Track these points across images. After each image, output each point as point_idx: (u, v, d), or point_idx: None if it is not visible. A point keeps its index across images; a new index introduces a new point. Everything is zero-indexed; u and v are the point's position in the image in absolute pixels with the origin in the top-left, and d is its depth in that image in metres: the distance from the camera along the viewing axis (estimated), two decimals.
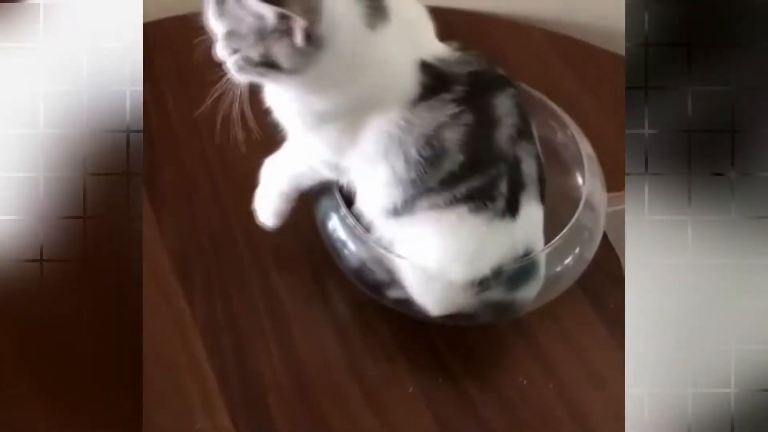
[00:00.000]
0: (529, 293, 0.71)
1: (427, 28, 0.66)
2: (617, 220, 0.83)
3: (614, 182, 0.78)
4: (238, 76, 0.62)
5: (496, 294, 0.69)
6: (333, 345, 0.77)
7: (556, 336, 0.79)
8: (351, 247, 0.73)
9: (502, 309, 0.73)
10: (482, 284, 0.68)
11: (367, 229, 0.70)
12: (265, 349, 0.76)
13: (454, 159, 0.64)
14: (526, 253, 0.69)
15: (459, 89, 0.64)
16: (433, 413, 0.73)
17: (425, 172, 0.64)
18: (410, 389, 0.75)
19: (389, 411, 0.73)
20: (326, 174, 0.71)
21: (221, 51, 0.61)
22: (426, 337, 0.78)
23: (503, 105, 0.66)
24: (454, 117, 0.63)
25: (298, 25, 0.57)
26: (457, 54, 0.66)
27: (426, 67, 0.64)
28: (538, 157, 0.69)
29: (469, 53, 0.67)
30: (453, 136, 0.64)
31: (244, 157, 0.74)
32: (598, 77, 1.00)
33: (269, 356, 0.75)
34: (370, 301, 0.77)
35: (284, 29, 0.58)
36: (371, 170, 0.66)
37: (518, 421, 0.73)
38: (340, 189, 0.72)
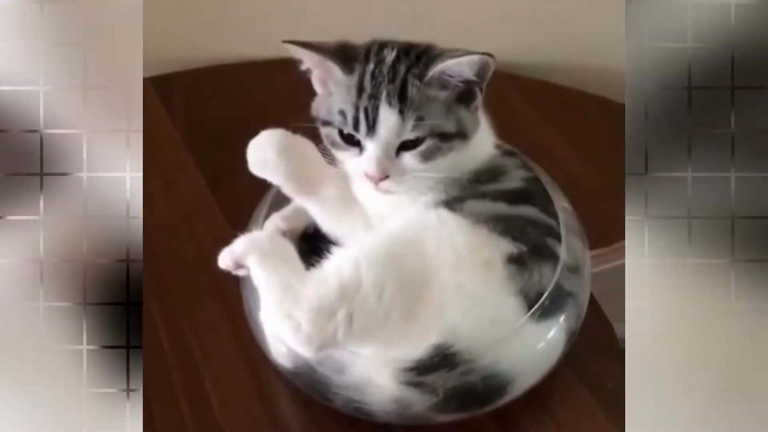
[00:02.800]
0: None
1: None
2: (607, 279, 0.72)
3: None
4: (418, 169, 0.60)
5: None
6: None
7: (547, 424, 0.66)
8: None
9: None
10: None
11: None
12: None
13: None
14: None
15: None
16: None
17: None
18: None
19: None
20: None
21: (381, 162, 0.59)
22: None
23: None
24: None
25: (477, 85, 0.59)
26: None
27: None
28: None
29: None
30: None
31: None
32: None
33: None
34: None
35: (463, 95, 0.60)
36: None
37: None
38: None
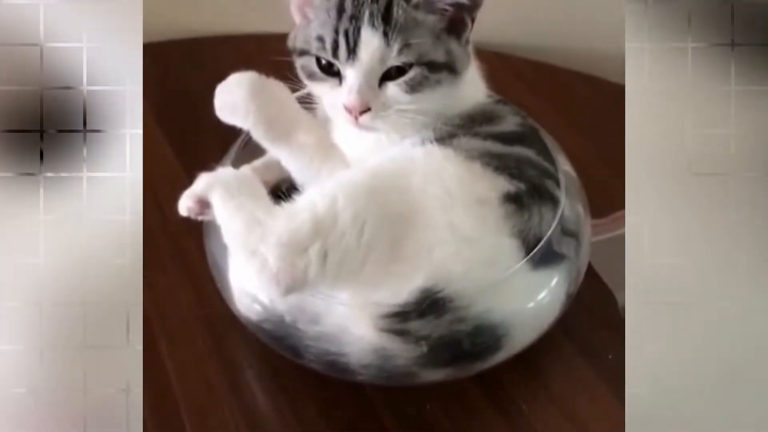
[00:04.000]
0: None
1: None
2: (610, 249, 0.67)
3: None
4: (403, 101, 0.54)
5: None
6: (238, 428, 0.57)
7: (541, 399, 0.59)
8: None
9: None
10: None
11: None
12: None
13: None
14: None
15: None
16: None
17: None
18: None
19: None
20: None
21: (363, 92, 0.53)
22: (364, 405, 0.58)
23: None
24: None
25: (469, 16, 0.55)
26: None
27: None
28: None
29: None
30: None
31: None
32: None
33: None
34: (286, 362, 0.57)
35: (453, 25, 0.55)
36: None
37: None
38: None
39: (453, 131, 0.56)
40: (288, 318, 0.53)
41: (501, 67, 0.92)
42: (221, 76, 0.58)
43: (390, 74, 0.53)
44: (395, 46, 0.52)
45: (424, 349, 0.51)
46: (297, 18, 0.58)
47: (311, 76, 0.56)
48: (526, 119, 0.61)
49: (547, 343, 0.60)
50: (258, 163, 0.63)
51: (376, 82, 0.53)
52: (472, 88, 0.59)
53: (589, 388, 0.60)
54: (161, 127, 0.83)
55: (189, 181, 0.56)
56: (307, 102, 0.59)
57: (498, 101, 0.61)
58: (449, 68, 0.55)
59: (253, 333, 0.58)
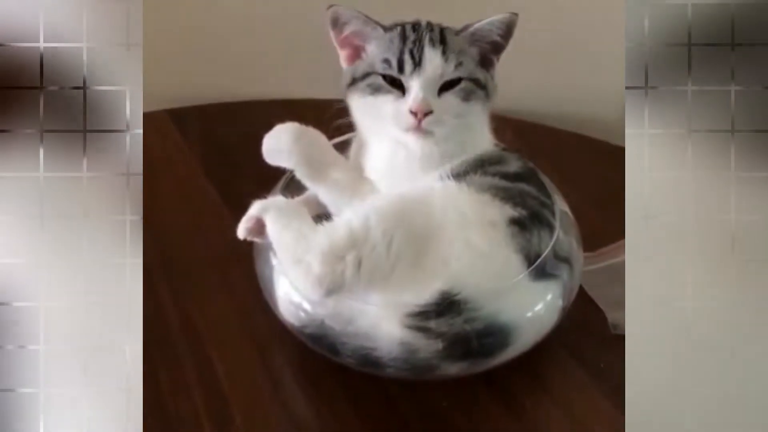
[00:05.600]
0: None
1: None
2: (601, 277, 0.77)
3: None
4: (458, 108, 0.65)
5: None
6: (280, 420, 0.66)
7: (543, 400, 0.68)
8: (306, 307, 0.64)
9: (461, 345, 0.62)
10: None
11: None
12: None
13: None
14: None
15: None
16: None
17: None
18: None
19: None
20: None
21: (426, 98, 0.64)
22: (389, 402, 0.67)
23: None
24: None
25: (497, 55, 0.68)
26: None
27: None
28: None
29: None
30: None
31: None
32: None
33: None
34: (321, 364, 0.67)
35: (484, 60, 0.68)
36: None
37: None
38: None
39: (466, 170, 0.66)
40: (327, 321, 0.63)
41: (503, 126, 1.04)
42: (254, 134, 0.69)
43: (445, 87, 0.65)
44: (452, 63, 0.65)
45: (440, 345, 0.60)
46: (346, 52, 0.69)
47: (377, 90, 0.66)
48: (528, 163, 0.72)
49: (547, 352, 0.70)
50: (299, 199, 0.74)
51: (436, 90, 0.65)
52: (484, 137, 0.70)
53: (585, 390, 0.68)
54: (207, 176, 0.95)
55: (233, 218, 0.67)
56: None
57: (504, 149, 0.72)
58: (486, 90, 0.67)
59: (292, 341, 0.68)
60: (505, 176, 0.67)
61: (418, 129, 0.65)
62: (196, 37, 1.10)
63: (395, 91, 0.65)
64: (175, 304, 0.76)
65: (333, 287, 0.59)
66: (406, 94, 0.65)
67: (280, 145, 0.68)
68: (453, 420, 0.65)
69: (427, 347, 0.60)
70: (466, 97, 0.66)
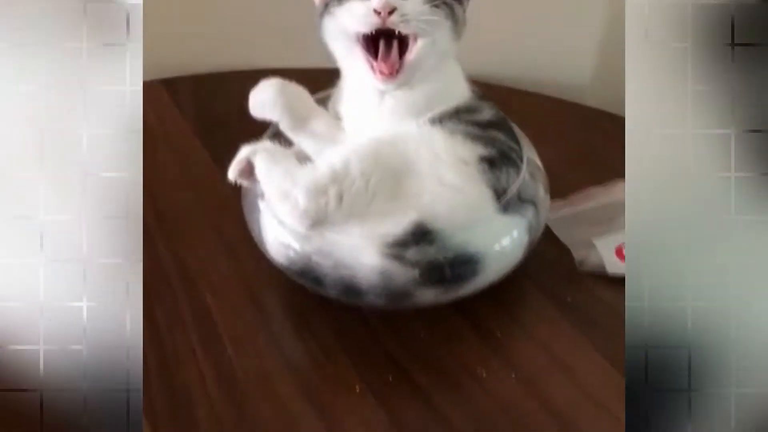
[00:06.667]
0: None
1: None
2: (570, 221, 0.82)
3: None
4: (422, 11, 0.67)
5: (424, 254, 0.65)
6: (269, 351, 0.71)
7: (513, 329, 0.73)
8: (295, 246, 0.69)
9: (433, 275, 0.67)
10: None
11: None
12: (192, 364, 0.69)
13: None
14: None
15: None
16: (386, 412, 0.65)
17: None
18: (357, 389, 0.66)
19: (337, 414, 0.65)
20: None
21: None
22: (371, 333, 0.72)
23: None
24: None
25: None
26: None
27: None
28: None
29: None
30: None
31: None
32: None
33: (198, 371, 0.68)
34: (307, 301, 0.72)
35: None
36: None
37: (481, 414, 0.65)
38: None
39: (441, 118, 0.71)
40: (313, 256, 0.68)
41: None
42: (244, 101, 0.73)
43: None
44: None
45: (416, 272, 0.65)
46: None
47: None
48: (500, 112, 0.77)
49: (516, 288, 0.76)
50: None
51: None
52: (459, 86, 0.75)
53: (553, 321, 0.73)
54: (199, 138, 1.00)
55: (222, 175, 0.71)
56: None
57: (479, 97, 0.76)
58: (453, 17, 0.70)
59: (279, 281, 0.74)
60: (478, 124, 0.72)
61: (384, 25, 0.67)
62: (192, 11, 1.14)
63: None
64: (168, 250, 0.81)
65: (317, 219, 0.65)
66: None
67: (265, 98, 0.73)
68: (430, 349, 0.71)
69: (404, 275, 0.65)
70: (432, 2, 0.68)
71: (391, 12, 0.67)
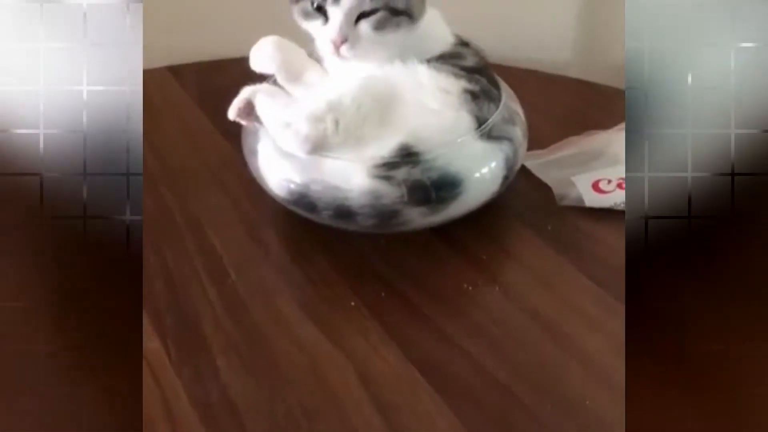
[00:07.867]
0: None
1: None
2: (551, 165, 0.88)
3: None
4: (371, 36, 0.73)
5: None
6: (269, 276, 0.76)
7: (495, 251, 0.79)
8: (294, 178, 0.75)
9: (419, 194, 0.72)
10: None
11: None
12: (198, 288, 0.74)
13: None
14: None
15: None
16: (380, 323, 0.70)
17: None
18: (352, 303, 0.71)
19: (334, 326, 0.70)
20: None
21: (342, 28, 0.72)
22: (363, 257, 0.77)
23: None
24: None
25: None
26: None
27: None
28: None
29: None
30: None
31: None
32: None
33: (203, 294, 0.73)
34: (302, 233, 0.79)
35: None
36: None
37: (470, 323, 0.70)
38: None
39: (427, 62, 0.77)
40: (310, 185, 0.73)
41: None
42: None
43: (363, 15, 0.72)
44: None
45: (403, 190, 0.71)
46: None
47: (306, 15, 0.74)
48: (483, 59, 0.82)
49: (498, 218, 0.81)
50: None
51: (353, 20, 0.72)
52: (439, 36, 0.81)
53: (535, 246, 0.78)
54: (202, 109, 1.07)
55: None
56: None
57: (463, 44, 0.82)
58: (408, 14, 0.75)
59: (276, 218, 0.81)
60: (462, 68, 0.78)
61: (339, 56, 0.73)
62: (194, 4, 1.22)
63: (320, 17, 0.73)
64: (176, 199, 0.86)
65: (317, 143, 0.70)
66: (328, 22, 0.73)
67: (264, 54, 0.80)
68: (419, 270, 0.76)
69: (391, 194, 0.71)
70: (380, 26, 0.72)
71: (344, 41, 0.73)
